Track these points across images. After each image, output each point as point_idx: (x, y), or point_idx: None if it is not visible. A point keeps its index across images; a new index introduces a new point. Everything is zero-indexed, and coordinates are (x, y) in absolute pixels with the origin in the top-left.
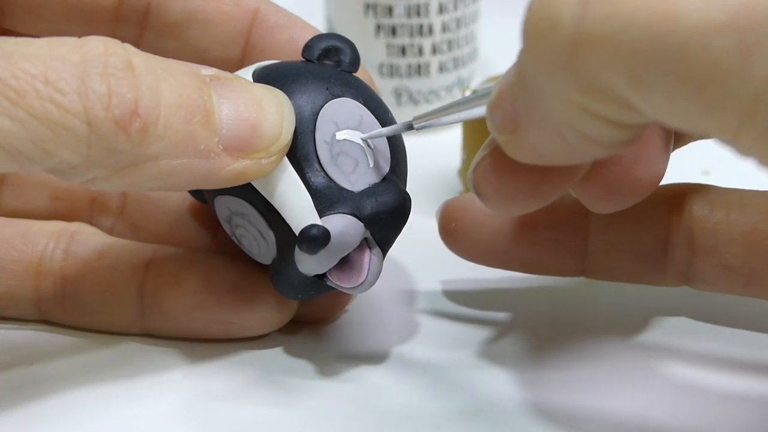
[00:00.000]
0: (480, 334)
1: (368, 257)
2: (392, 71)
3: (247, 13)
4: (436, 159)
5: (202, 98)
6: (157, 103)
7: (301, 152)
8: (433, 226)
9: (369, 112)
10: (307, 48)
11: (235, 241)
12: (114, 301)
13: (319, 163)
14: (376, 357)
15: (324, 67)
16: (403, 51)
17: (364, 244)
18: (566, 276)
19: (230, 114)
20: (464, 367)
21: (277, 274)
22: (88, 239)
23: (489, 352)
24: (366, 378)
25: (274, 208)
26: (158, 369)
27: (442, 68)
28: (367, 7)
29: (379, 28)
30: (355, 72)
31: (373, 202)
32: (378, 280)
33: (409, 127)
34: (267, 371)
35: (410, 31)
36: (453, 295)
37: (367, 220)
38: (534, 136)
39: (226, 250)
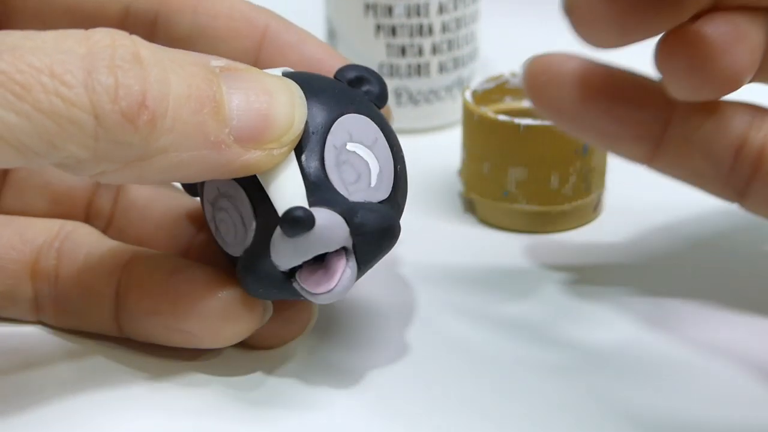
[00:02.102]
0: (480, 335)
1: (343, 266)
2: (392, 71)
3: (257, 31)
4: (436, 159)
5: (211, 89)
6: (166, 95)
7: (308, 148)
8: (433, 226)
9: (385, 140)
10: (340, 71)
11: (212, 227)
12: (94, 302)
13: (323, 164)
14: (376, 358)
15: (355, 90)
16: (403, 51)
17: (343, 253)
18: (632, 160)
19: (241, 104)
20: (465, 368)
21: (245, 265)
22: (80, 238)
23: (489, 353)
24: (366, 379)
25: (265, 195)
26: (143, 380)
27: (442, 68)
28: (367, 7)
29: (379, 28)
30: (380, 107)
31: (364, 212)
32: (348, 292)
33: None
34: (261, 386)
35: (410, 31)
36: (454, 295)
37: (354, 227)
38: None
39: (201, 258)
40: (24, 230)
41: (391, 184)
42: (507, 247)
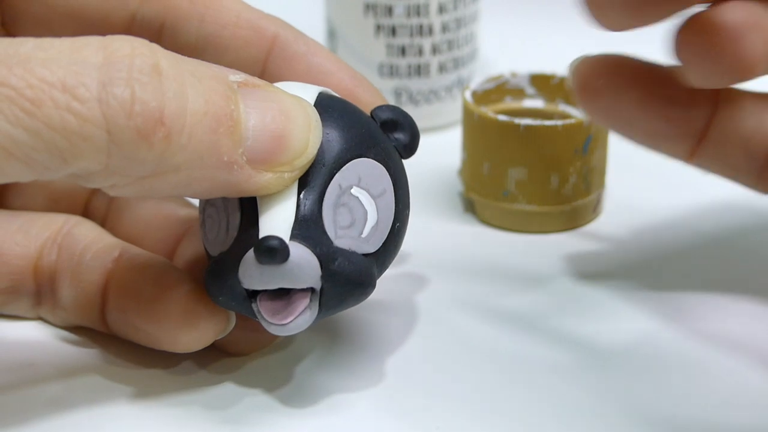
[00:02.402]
0: (480, 334)
1: (304, 306)
2: (392, 71)
3: (265, 40)
4: (436, 159)
5: (229, 106)
6: (183, 111)
7: (313, 179)
8: (433, 226)
9: (393, 195)
10: (377, 110)
11: (201, 218)
12: (86, 298)
13: (321, 200)
14: (376, 357)
15: (388, 137)
16: (403, 51)
17: (309, 294)
18: (673, 158)
19: (257, 125)
20: (466, 366)
21: (213, 269)
22: (80, 234)
23: (490, 352)
24: (367, 378)
25: (256, 211)
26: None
27: (442, 68)
28: (367, 7)
29: (379, 28)
30: (405, 158)
31: (342, 261)
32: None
33: None
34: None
35: (410, 31)
36: (454, 294)
37: (328, 273)
38: None
39: (184, 262)
40: (29, 226)
41: (383, 241)
42: (507, 247)
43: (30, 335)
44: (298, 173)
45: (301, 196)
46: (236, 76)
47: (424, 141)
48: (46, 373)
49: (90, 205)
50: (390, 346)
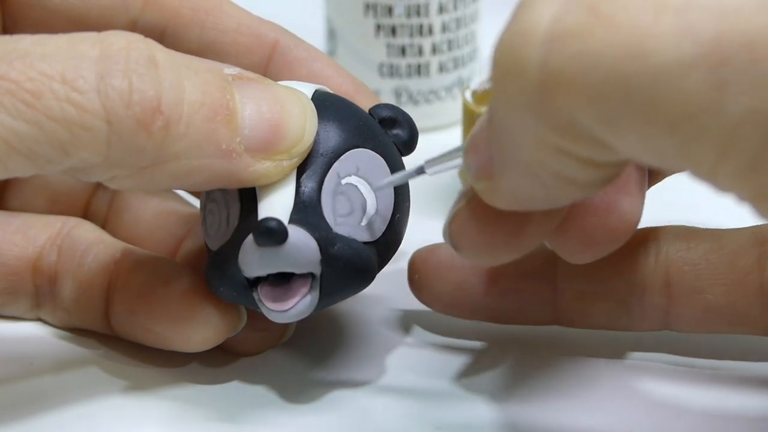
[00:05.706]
0: (480, 333)
1: (305, 292)
2: (392, 71)
3: (265, 46)
4: None
5: (224, 97)
6: (180, 100)
7: (311, 168)
8: (433, 226)
9: (392, 186)
10: (375, 108)
11: (202, 215)
12: (88, 299)
13: (320, 188)
14: (377, 356)
15: (387, 133)
16: (403, 51)
17: (309, 280)
18: (538, 325)
19: (253, 114)
20: (467, 365)
21: (214, 260)
22: (80, 235)
23: (491, 350)
24: (369, 376)
25: (255, 200)
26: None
27: (442, 68)
28: (367, 7)
29: (379, 28)
30: (405, 155)
31: (342, 246)
32: (304, 317)
33: (421, 171)
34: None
35: (410, 31)
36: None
37: (327, 257)
38: (511, 181)
39: (186, 261)
40: (28, 227)
41: (383, 230)
42: None
43: (31, 333)
44: (297, 161)
45: (300, 185)
46: (230, 70)
47: (424, 141)
48: (47, 370)
49: (90, 207)
50: (391, 343)
